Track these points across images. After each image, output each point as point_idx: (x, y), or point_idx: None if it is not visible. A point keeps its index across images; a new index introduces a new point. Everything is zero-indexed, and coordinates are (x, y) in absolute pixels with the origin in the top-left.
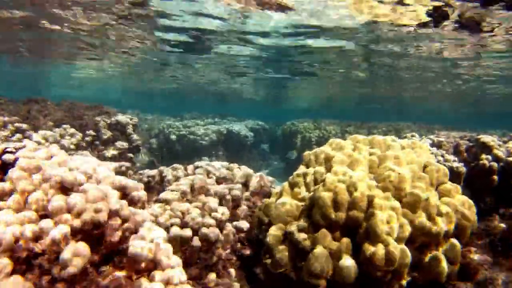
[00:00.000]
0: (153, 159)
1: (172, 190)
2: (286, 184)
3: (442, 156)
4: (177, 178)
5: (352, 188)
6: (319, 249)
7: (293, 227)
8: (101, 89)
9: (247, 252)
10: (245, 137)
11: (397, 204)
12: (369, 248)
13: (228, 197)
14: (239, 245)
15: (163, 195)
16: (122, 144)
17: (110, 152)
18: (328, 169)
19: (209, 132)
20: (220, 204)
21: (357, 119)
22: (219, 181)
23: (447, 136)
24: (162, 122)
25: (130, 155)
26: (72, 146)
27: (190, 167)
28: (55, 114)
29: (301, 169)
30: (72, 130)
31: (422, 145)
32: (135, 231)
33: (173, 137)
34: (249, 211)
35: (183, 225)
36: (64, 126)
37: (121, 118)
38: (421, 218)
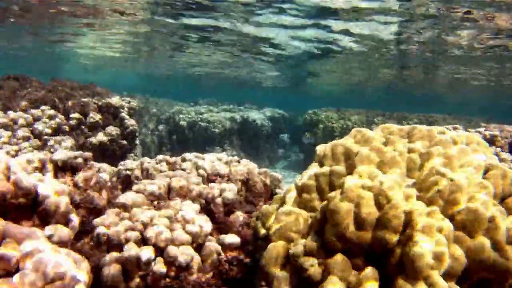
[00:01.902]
0: (161, 147)
1: (137, 191)
2: (292, 187)
3: (496, 154)
4: (160, 173)
5: (382, 199)
6: (332, 281)
7: (298, 248)
8: (116, 74)
9: (238, 275)
10: (262, 126)
11: (447, 224)
12: (405, 287)
13: (218, 200)
14: (226, 266)
15: (122, 198)
16: (112, 129)
17: (98, 138)
18: (350, 170)
19: (223, 119)
20: (208, 210)
21: (383, 109)
22: (211, 178)
23: (500, 130)
24: (173, 107)
25: (124, 142)
26: (48, 130)
27: (175, 160)
28: (35, 93)
29: (313, 167)
30: (51, 112)
31: (480, 141)
32: (14, 271)
33: (183, 123)
34: (247, 219)
35: (144, 242)
36: (43, 107)
37: (114, 100)
38: (483, 245)
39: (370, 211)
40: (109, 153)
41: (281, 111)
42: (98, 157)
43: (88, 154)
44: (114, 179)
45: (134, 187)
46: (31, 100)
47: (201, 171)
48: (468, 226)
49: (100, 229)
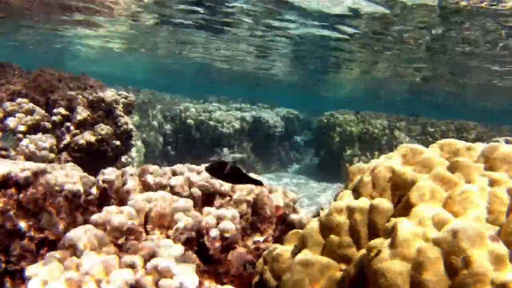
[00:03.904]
0: (166, 146)
1: (97, 224)
2: (314, 224)
3: None
4: (144, 187)
5: (456, 260)
6: None
7: None
8: (124, 66)
9: None
10: (274, 127)
11: None
12: None
13: (214, 233)
14: None
15: (70, 235)
16: (103, 128)
17: (86, 137)
18: (402, 207)
19: (233, 118)
20: (201, 244)
21: (404, 113)
22: (208, 198)
23: None
24: (181, 104)
25: (116, 142)
26: (21, 128)
27: (165, 172)
28: (14, 84)
29: (345, 196)
30: (29, 106)
31: None
32: None
33: (191, 121)
34: (252, 251)
35: None
36: (20, 100)
37: (108, 94)
38: None
39: (437, 277)
40: (99, 155)
41: (295, 112)
42: (86, 160)
43: (42, 165)
44: (93, 190)
45: (93, 218)
46: (7, 92)
47: (194, 190)
48: None
49: (33, 284)
